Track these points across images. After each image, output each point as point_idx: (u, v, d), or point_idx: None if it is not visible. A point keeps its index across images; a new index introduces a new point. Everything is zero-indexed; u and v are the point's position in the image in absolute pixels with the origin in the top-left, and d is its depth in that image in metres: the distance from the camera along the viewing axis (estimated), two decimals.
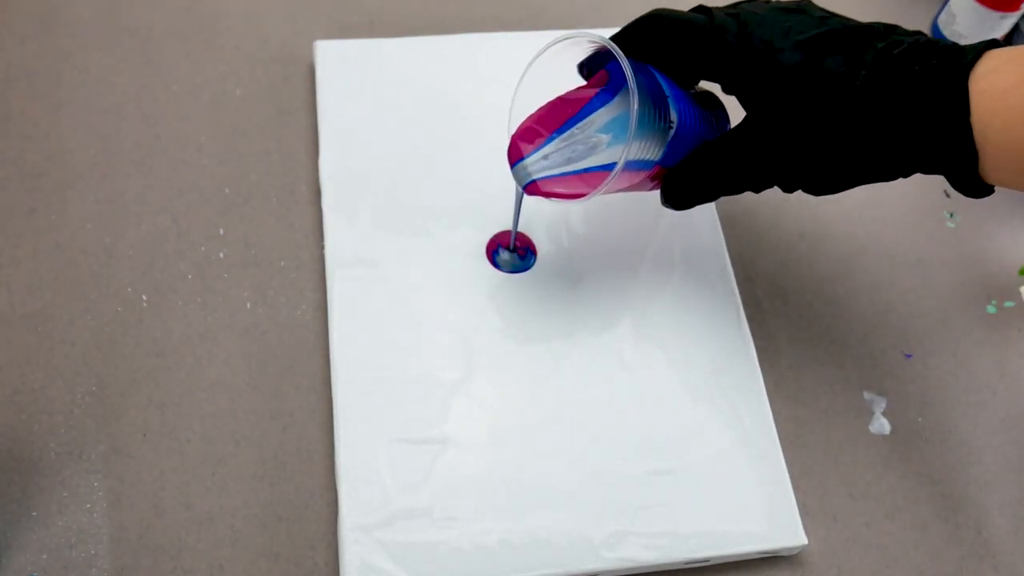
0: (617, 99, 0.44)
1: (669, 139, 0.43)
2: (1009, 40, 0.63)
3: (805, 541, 0.45)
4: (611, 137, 0.43)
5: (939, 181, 0.58)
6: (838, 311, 0.54)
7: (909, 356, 0.53)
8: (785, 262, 0.55)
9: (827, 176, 0.42)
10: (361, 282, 0.49)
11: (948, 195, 0.58)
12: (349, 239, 0.50)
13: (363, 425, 0.45)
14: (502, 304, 0.49)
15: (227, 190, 0.53)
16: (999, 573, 0.47)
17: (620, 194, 0.48)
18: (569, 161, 0.44)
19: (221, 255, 0.51)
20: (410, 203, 0.52)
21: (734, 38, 0.41)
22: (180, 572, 0.43)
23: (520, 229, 0.51)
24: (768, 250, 0.55)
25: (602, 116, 0.44)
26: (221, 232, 0.51)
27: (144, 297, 0.49)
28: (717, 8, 0.43)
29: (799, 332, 0.53)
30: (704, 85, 0.48)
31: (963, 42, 0.48)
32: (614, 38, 0.43)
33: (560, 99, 0.45)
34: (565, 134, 0.44)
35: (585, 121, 0.44)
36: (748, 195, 0.46)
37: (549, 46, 0.43)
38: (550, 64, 0.43)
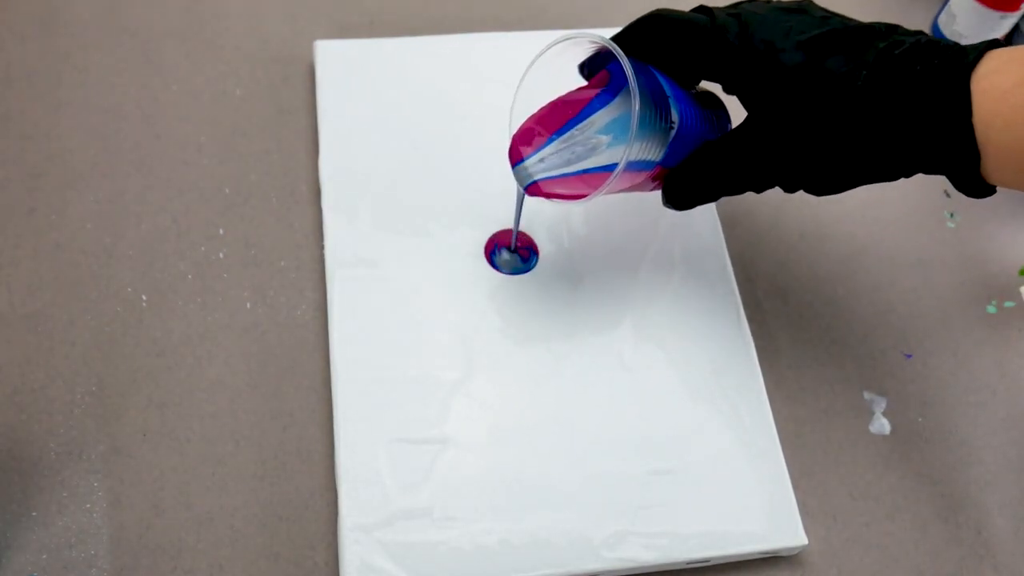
0: (618, 99, 0.44)
1: (670, 139, 0.43)
2: (1009, 40, 0.63)
3: (805, 541, 0.45)
4: (612, 138, 0.43)
5: (940, 181, 0.58)
6: (838, 311, 0.54)
7: (909, 356, 0.53)
8: (785, 262, 0.55)
9: (829, 176, 0.42)
10: (361, 282, 0.49)
11: (949, 195, 0.58)
12: (349, 239, 0.50)
13: (363, 425, 0.45)
14: (502, 304, 0.49)
15: (227, 190, 0.52)
16: (999, 573, 0.47)
17: (621, 194, 0.48)
18: (570, 162, 0.44)
19: (221, 255, 0.51)
20: (410, 203, 0.52)
21: (735, 38, 0.41)
22: (180, 572, 0.43)
23: (521, 229, 0.51)
24: (768, 250, 0.55)
25: (603, 117, 0.44)
26: (221, 232, 0.51)
27: (144, 297, 0.49)
28: (718, 8, 0.43)
29: (799, 332, 0.53)
30: (705, 85, 0.48)
31: (963, 42, 0.48)
32: (615, 38, 0.43)
33: (561, 100, 0.45)
34: (566, 135, 0.44)
35: (586, 122, 0.44)
36: (748, 195, 0.46)
37: (550, 47, 0.43)
38: (551, 65, 0.43)
